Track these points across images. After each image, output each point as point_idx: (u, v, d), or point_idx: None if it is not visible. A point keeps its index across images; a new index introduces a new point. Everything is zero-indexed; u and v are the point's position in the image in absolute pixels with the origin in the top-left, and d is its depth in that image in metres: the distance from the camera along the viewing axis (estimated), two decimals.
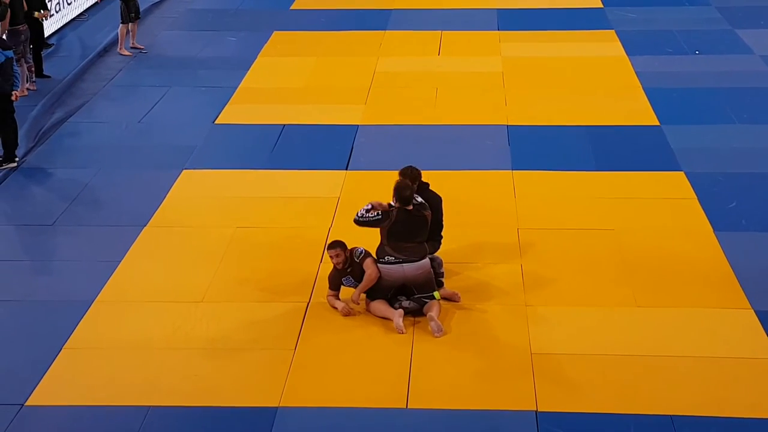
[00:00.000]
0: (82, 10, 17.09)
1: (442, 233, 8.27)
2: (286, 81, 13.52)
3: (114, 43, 15.23)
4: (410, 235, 7.76)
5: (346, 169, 10.67)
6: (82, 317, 7.89)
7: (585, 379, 7.02)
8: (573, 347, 7.40)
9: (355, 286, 7.87)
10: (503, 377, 7.07)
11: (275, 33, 15.68)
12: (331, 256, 7.89)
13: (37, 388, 7.04)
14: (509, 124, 11.84)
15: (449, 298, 8.00)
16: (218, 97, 12.88)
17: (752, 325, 7.63)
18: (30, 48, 13.32)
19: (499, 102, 12.59)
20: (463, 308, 7.94)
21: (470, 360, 7.29)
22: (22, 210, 10.13)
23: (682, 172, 10.38)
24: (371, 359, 7.32)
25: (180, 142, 11.51)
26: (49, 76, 13.68)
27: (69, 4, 16.38)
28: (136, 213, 9.67)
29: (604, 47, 14.73)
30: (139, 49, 15.07)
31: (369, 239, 7.95)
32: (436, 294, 7.82)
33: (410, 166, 8.17)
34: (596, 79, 13.40)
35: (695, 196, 9.83)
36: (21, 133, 11.32)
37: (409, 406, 6.79)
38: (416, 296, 7.81)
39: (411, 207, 7.78)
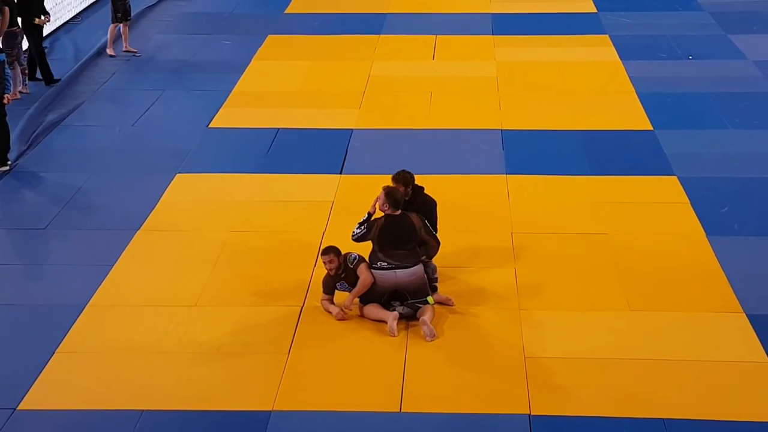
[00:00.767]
0: (75, 13, 17.08)
1: (438, 237, 8.27)
2: (280, 85, 13.52)
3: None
4: (399, 241, 7.77)
5: (341, 173, 10.67)
6: (74, 321, 7.88)
7: (578, 382, 7.03)
8: (566, 351, 7.41)
9: (349, 291, 7.86)
10: (496, 381, 7.08)
11: (269, 36, 15.68)
12: (324, 262, 7.88)
13: (29, 392, 7.02)
14: (503, 128, 11.85)
15: (443, 303, 8.00)
16: (212, 101, 12.87)
17: (744, 329, 7.65)
18: (25, 54, 13.30)
19: (494, 106, 12.61)
20: (456, 312, 7.95)
21: (464, 364, 7.29)
22: (15, 214, 10.11)
23: (675, 177, 10.40)
24: (365, 363, 7.32)
25: (174, 145, 11.50)
26: (58, 80, 13.60)
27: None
28: (130, 217, 9.66)
29: (598, 52, 14.76)
30: (133, 52, 15.04)
31: (362, 245, 7.96)
32: (430, 299, 7.82)
33: (403, 170, 8.17)
34: (590, 84, 13.43)
35: (688, 201, 9.85)
36: (13, 136, 11.29)
37: (402, 410, 6.79)
38: (410, 302, 7.81)
39: (399, 212, 7.79)
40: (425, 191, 8.24)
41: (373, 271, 7.80)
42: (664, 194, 10.06)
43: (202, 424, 6.69)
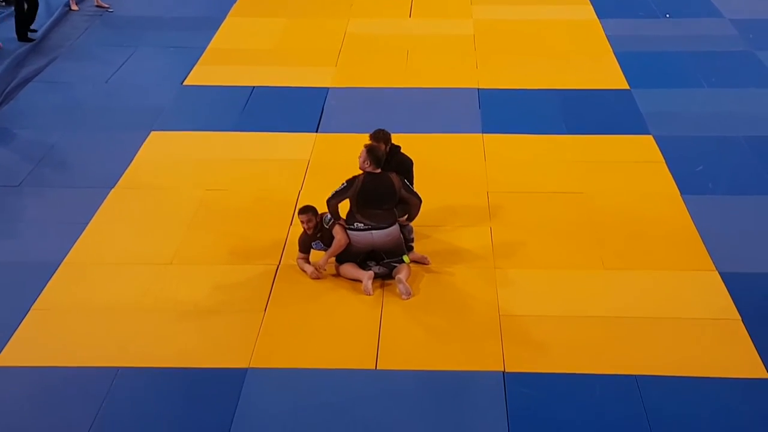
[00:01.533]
0: None
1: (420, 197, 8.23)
2: (255, 42, 13.40)
3: (79, 1, 15.01)
4: (378, 200, 7.74)
5: (317, 131, 10.62)
6: (49, 279, 7.84)
7: (552, 340, 7.10)
8: (540, 309, 7.47)
9: (325, 251, 7.87)
10: (471, 339, 7.13)
11: None
12: (302, 221, 7.87)
13: (4, 349, 7.00)
14: (480, 87, 11.83)
15: (419, 262, 8.03)
16: (187, 58, 12.74)
17: (717, 287, 7.74)
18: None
19: (470, 65, 12.56)
20: (432, 271, 7.98)
21: (438, 322, 7.34)
22: None
23: (650, 136, 10.44)
24: (341, 321, 7.35)
25: (148, 103, 11.39)
26: (33, 40, 13.36)
27: None
28: (104, 174, 9.58)
29: (576, 10, 14.71)
30: (104, 8, 14.84)
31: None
32: (406, 258, 7.84)
33: (381, 129, 8.14)
34: (567, 43, 13.40)
35: (663, 160, 9.90)
36: None
37: (378, 368, 6.83)
38: (385, 261, 7.82)
39: (379, 170, 7.76)
40: (402, 150, 8.23)
41: (349, 232, 7.79)
42: (640, 153, 10.10)
43: (178, 382, 6.70)
